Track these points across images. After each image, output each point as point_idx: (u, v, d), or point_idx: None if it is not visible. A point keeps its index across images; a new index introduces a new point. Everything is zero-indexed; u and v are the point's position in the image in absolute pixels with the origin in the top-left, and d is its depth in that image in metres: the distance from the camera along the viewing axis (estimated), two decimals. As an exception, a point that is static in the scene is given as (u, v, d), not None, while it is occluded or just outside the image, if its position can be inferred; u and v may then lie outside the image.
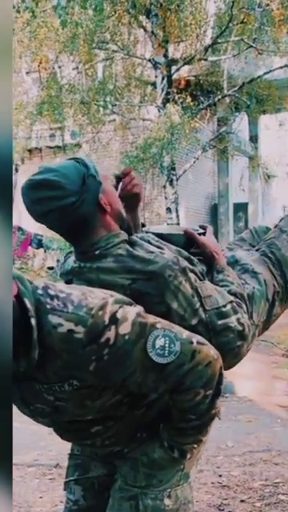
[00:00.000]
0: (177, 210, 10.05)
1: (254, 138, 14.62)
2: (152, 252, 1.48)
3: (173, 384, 1.34)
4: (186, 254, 1.57)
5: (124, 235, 1.52)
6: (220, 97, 10.74)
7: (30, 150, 12.01)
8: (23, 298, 1.26)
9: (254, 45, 9.64)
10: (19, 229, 11.48)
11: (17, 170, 11.25)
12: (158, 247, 1.52)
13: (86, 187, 1.45)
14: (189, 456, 1.46)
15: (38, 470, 3.75)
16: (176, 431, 1.44)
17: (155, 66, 9.49)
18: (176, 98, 9.20)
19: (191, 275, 1.49)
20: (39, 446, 4.22)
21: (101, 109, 10.36)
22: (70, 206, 1.44)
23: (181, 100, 9.19)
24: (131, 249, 1.49)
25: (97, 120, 9.99)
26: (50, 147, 12.45)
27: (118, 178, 1.65)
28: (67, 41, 8.01)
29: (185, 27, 8.49)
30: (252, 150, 14.39)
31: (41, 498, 3.33)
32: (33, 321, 1.25)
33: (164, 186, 9.99)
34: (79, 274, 1.50)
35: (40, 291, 1.31)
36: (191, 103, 9.43)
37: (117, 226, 1.53)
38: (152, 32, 9.22)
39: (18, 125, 9.80)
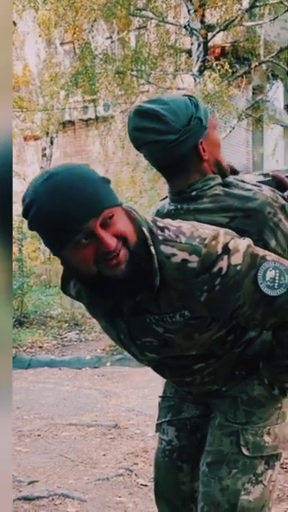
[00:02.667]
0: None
1: (289, 107, 14.28)
2: (250, 190, 1.46)
3: (281, 318, 1.32)
4: (280, 194, 1.53)
5: (219, 178, 1.51)
6: (257, 63, 10.49)
7: (63, 123, 11.96)
8: (141, 227, 1.26)
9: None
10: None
11: (52, 143, 11.26)
12: (255, 185, 1.49)
13: (190, 128, 1.43)
14: None
15: (97, 429, 3.80)
16: (278, 368, 1.42)
17: (191, 32, 9.28)
18: (214, 65, 9.00)
19: None
20: (96, 408, 4.27)
21: (135, 79, 10.21)
22: (168, 142, 1.43)
23: (218, 67, 8.99)
24: (227, 189, 1.48)
25: (131, 90, 9.86)
26: (83, 120, 12.39)
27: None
28: (104, 7, 7.87)
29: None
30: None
31: (104, 455, 3.38)
32: (152, 249, 1.25)
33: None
34: (175, 216, 1.48)
35: (150, 223, 1.31)
36: (229, 70, 9.21)
37: (211, 172, 1.51)
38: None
39: (53, 96, 9.74)
